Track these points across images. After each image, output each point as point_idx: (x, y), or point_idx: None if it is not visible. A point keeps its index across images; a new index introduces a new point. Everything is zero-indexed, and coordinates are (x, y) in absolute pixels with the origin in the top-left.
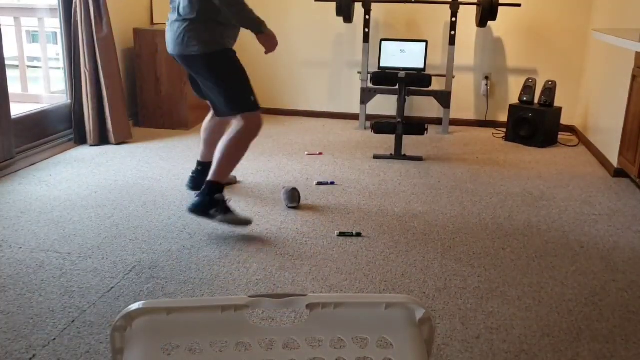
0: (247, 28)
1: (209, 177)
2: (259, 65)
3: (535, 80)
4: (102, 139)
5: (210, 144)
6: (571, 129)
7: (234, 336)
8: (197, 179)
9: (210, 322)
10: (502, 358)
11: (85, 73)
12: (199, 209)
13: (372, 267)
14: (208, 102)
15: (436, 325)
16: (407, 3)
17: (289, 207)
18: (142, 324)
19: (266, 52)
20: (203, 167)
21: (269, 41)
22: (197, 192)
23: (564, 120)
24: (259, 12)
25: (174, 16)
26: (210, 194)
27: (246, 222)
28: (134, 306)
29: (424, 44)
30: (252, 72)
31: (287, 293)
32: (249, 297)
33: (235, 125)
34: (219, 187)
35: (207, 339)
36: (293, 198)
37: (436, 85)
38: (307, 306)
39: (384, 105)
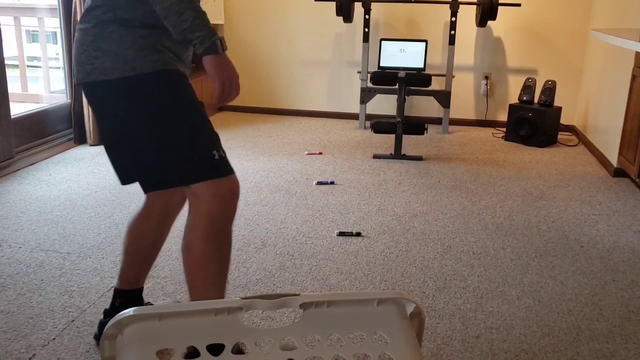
0: (185, 39)
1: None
2: (258, 64)
3: (535, 80)
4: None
5: (140, 253)
6: (571, 129)
7: (229, 339)
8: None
9: (204, 326)
10: (501, 358)
11: None
12: None
13: (372, 266)
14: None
15: (436, 325)
16: (407, 3)
17: None
18: (134, 331)
19: (216, 101)
20: (123, 297)
21: (221, 70)
22: None
23: (564, 120)
24: (259, 11)
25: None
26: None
27: None
28: (124, 313)
29: (424, 43)
30: (251, 71)
31: (280, 293)
32: (242, 299)
33: (192, 208)
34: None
35: (202, 344)
36: None
37: (436, 85)
38: (301, 306)
39: (384, 105)
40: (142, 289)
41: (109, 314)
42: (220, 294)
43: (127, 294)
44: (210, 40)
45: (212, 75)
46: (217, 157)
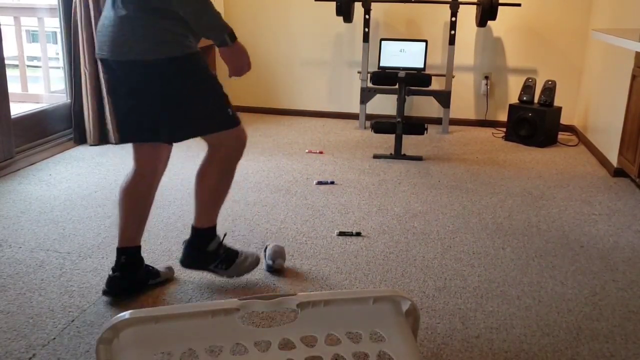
0: (207, 36)
1: (195, 224)
2: (258, 64)
3: (535, 80)
4: (102, 139)
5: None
6: (571, 129)
7: (227, 340)
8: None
9: (201, 328)
10: (501, 358)
11: (85, 73)
12: (195, 265)
13: (372, 266)
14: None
15: (436, 325)
16: (407, 3)
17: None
18: (131, 334)
19: (230, 75)
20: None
21: (235, 57)
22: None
23: (564, 120)
24: (259, 11)
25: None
26: (202, 246)
27: (255, 264)
28: (120, 317)
29: (424, 43)
30: (251, 71)
31: (277, 294)
32: (239, 299)
33: (212, 150)
34: (211, 232)
35: (200, 345)
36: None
37: (436, 85)
38: (298, 305)
39: (384, 105)
40: (140, 247)
41: (115, 269)
42: (217, 211)
43: (130, 250)
44: (222, 37)
45: (224, 61)
46: (230, 112)
